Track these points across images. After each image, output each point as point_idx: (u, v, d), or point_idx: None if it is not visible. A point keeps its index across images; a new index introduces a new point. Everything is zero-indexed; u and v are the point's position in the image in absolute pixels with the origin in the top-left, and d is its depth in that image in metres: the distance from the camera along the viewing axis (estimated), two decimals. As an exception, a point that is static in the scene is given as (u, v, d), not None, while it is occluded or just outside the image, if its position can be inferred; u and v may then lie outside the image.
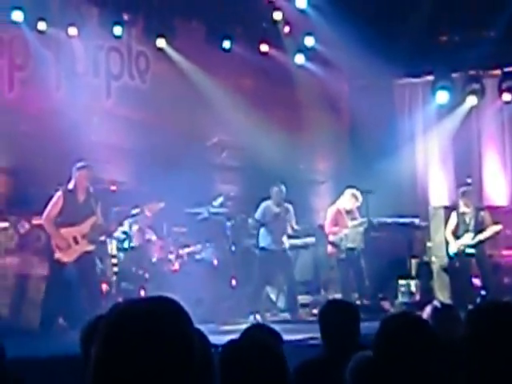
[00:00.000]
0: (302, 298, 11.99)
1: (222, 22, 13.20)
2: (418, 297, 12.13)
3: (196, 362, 1.77)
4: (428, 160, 15.06)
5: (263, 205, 11.51)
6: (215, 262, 11.58)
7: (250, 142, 13.23)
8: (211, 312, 10.49)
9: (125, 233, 10.98)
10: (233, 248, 11.60)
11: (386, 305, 11.91)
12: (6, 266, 10.06)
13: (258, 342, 3.03)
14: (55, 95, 11.97)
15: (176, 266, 11.09)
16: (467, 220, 11.74)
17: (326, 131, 14.72)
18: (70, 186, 9.90)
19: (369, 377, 3.12)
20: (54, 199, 9.84)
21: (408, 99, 15.37)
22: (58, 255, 9.73)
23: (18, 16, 11.12)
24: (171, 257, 11.16)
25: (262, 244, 11.51)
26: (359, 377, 3.24)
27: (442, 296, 11.72)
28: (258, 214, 11.53)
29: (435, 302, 4.61)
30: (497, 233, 11.72)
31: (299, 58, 14.05)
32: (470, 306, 10.78)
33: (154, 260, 11.02)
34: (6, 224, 10.16)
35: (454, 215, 11.93)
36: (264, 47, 13.70)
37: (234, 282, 11.39)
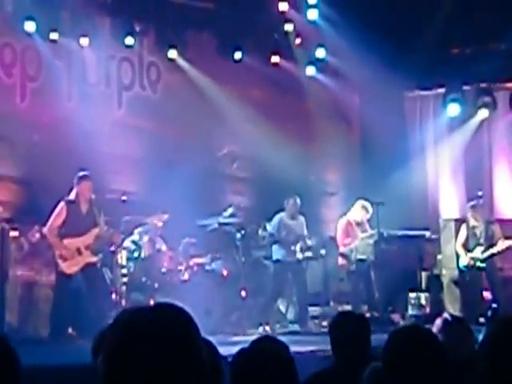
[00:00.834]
0: (312, 310, 11.97)
1: (234, 34, 13.22)
2: (428, 309, 12.09)
3: (204, 368, 1.76)
4: (439, 172, 15.03)
5: (277, 217, 11.53)
6: (225, 272, 11.57)
7: (261, 153, 13.24)
8: (220, 323, 10.49)
9: (135, 243, 10.99)
10: (243, 259, 11.58)
11: (395, 317, 11.87)
12: (16, 275, 10.09)
13: (268, 351, 3.02)
14: (67, 105, 12.02)
15: (186, 276, 11.08)
16: (477, 233, 11.72)
17: (337, 143, 14.70)
18: (72, 196, 9.89)
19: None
20: (56, 210, 9.83)
21: (419, 112, 15.34)
22: (61, 266, 9.71)
23: (30, 26, 11.18)
24: (181, 267, 11.15)
25: (276, 256, 11.51)
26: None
27: (453, 309, 11.68)
28: (272, 228, 11.54)
29: (445, 315, 4.59)
30: (508, 248, 11.68)
31: (310, 70, 14.06)
32: (481, 319, 10.76)
33: (163, 270, 11.01)
34: (16, 233, 10.19)
35: (463, 228, 11.91)
36: (275, 58, 13.71)
37: (243, 293, 11.36)
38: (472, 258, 11.67)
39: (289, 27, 13.38)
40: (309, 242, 11.61)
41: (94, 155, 11.19)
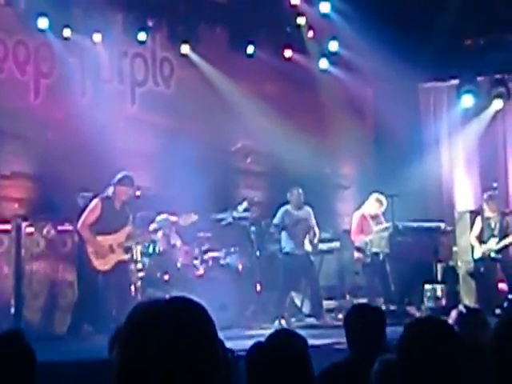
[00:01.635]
0: (328, 303, 11.97)
1: (246, 28, 13.22)
2: (444, 301, 12.06)
3: (220, 362, 1.76)
4: (453, 164, 14.98)
5: (282, 209, 11.52)
6: (240, 267, 11.58)
7: (275, 147, 13.24)
8: (236, 317, 10.51)
9: (149, 237, 11.00)
10: (257, 253, 11.59)
11: (411, 310, 11.85)
12: (32, 271, 10.14)
13: (284, 344, 3.03)
14: (80, 102, 12.05)
15: (201, 271, 11.10)
16: (492, 225, 11.69)
17: (351, 136, 14.68)
18: (108, 193, 9.88)
19: (393, 380, 3.10)
20: (91, 206, 9.82)
21: (433, 103, 15.30)
22: (94, 263, 9.71)
23: (43, 23, 11.22)
24: (196, 262, 11.18)
25: (285, 249, 11.51)
26: (384, 380, 3.23)
27: (469, 300, 11.65)
28: (276, 219, 11.54)
29: (461, 307, 4.59)
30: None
31: (323, 63, 14.03)
32: (497, 310, 10.74)
33: (178, 265, 11.04)
34: (31, 229, 10.23)
35: (478, 220, 11.88)
36: (288, 52, 13.70)
37: (258, 287, 11.38)
38: (487, 250, 11.64)
39: (301, 20, 13.36)
40: (318, 235, 11.57)
41: (108, 151, 11.22)
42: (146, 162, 12.30)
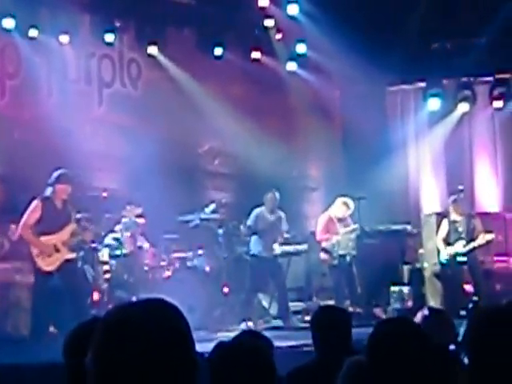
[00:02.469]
0: (295, 305, 11.97)
1: (214, 29, 13.19)
2: (410, 303, 12.13)
3: (197, 363, 1.74)
4: (420, 166, 15.08)
5: (256, 211, 11.51)
6: (207, 269, 11.56)
7: (242, 149, 13.24)
8: (203, 319, 10.46)
9: (116, 240, 10.95)
10: (225, 255, 11.58)
11: (378, 311, 11.91)
12: (-4, 273, 10.02)
13: (247, 345, 3.01)
14: (47, 102, 11.95)
15: (168, 273, 11.06)
16: (459, 227, 11.76)
17: (319, 138, 14.72)
18: (48, 193, 9.77)
19: (362, 381, 3.10)
20: (31, 207, 9.69)
21: (400, 106, 15.39)
22: (39, 264, 9.61)
23: (9, 23, 11.10)
24: (163, 264, 11.14)
25: (253, 251, 11.50)
26: (351, 381, 3.22)
27: (434, 302, 11.74)
28: (250, 221, 11.53)
29: (426, 308, 4.60)
30: (489, 242, 11.73)
31: (291, 65, 14.05)
32: (462, 312, 10.81)
33: (146, 267, 10.99)
34: (-5, 231, 10.12)
35: (445, 222, 11.95)
36: (256, 54, 13.69)
37: (226, 290, 11.37)
38: (454, 252, 11.72)
39: (269, 23, 13.36)
40: (286, 235, 11.61)
41: (75, 152, 11.13)
42: (113, 163, 12.23)
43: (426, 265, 12.51)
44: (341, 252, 11.71)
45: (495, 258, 12.69)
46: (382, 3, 13.67)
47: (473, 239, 11.65)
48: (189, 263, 11.42)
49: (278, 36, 13.65)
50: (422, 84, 14.30)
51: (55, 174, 9.78)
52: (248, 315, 11.19)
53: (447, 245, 11.81)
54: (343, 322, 4.47)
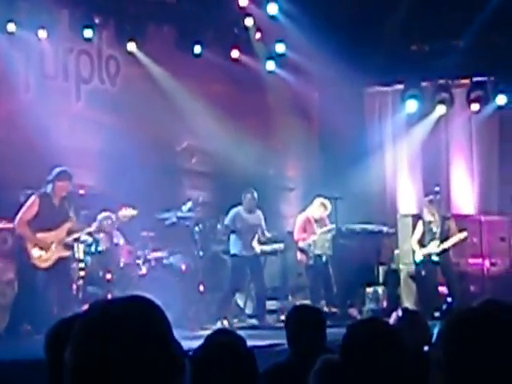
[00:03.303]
0: (270, 304, 11.99)
1: (193, 28, 13.17)
2: (385, 304, 12.20)
3: (178, 361, 1.75)
4: (397, 168, 15.15)
5: (234, 211, 11.52)
6: (183, 267, 11.55)
7: (220, 147, 13.24)
8: (178, 317, 10.43)
9: (92, 236, 10.89)
10: (201, 253, 11.57)
11: (353, 312, 11.96)
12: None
13: (225, 345, 3.02)
14: (24, 98, 11.88)
15: (144, 270, 11.04)
16: (433, 228, 11.84)
17: (296, 138, 14.76)
18: (48, 190, 9.72)
19: (334, 380, 3.13)
20: (28, 203, 9.64)
21: (378, 107, 15.45)
22: (34, 260, 9.55)
23: (-14, 17, 11.03)
24: (139, 261, 11.11)
25: (233, 251, 11.51)
26: (324, 379, 3.25)
27: (409, 303, 11.81)
28: (227, 220, 11.54)
29: (400, 309, 4.64)
30: (462, 240, 11.82)
31: (270, 65, 14.06)
32: (436, 313, 10.89)
33: (121, 264, 10.96)
34: (-31, 227, 10.05)
35: (420, 224, 12.03)
36: (235, 53, 13.70)
37: (201, 288, 11.36)
38: (427, 253, 11.79)
39: (249, 22, 13.37)
40: (267, 234, 11.63)
41: (52, 148, 11.07)
42: (90, 160, 12.17)
43: (401, 266, 12.58)
44: (317, 252, 11.75)
45: (470, 260, 12.79)
46: (361, 5, 13.73)
47: (446, 240, 11.73)
48: (165, 261, 11.40)
49: (258, 35, 13.67)
50: (400, 86, 14.38)
51: (55, 171, 9.74)
52: (223, 314, 11.20)
53: (422, 246, 11.88)
54: (317, 321, 4.49)
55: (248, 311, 11.99)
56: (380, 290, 12.31)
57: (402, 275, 12.48)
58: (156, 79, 13.19)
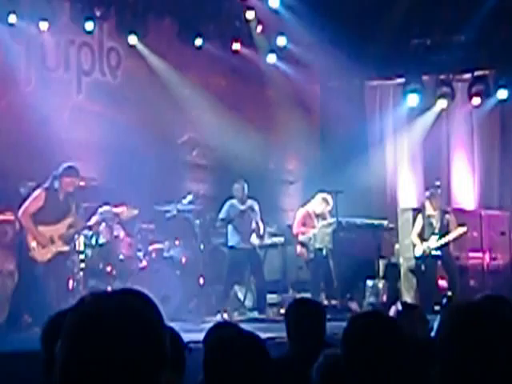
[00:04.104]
0: (270, 298, 11.99)
1: (195, 20, 13.17)
2: (385, 297, 12.19)
3: (166, 354, 1.75)
4: (397, 162, 15.14)
5: (227, 203, 11.52)
6: (183, 259, 11.55)
7: (221, 140, 13.23)
8: (178, 310, 10.46)
9: (92, 229, 10.89)
10: (201, 246, 11.57)
11: (353, 305, 11.95)
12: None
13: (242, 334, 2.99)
14: (25, 90, 11.87)
15: (144, 263, 11.03)
16: (433, 222, 11.84)
17: (297, 131, 14.74)
18: (55, 185, 9.72)
19: (336, 375, 3.12)
20: (34, 195, 9.64)
21: (379, 101, 15.42)
22: (34, 253, 9.56)
23: (-13, 9, 11.01)
24: (139, 254, 11.10)
25: (230, 243, 11.51)
26: (326, 374, 3.25)
27: (409, 297, 11.83)
28: (222, 213, 11.53)
29: (399, 303, 4.64)
30: (461, 234, 11.82)
31: (271, 58, 14.05)
32: (436, 307, 10.89)
33: (121, 257, 10.95)
34: (-28, 219, 10.06)
35: (420, 218, 12.03)
36: (236, 46, 13.69)
37: (201, 281, 11.36)
38: (427, 247, 11.79)
39: (250, 15, 13.36)
40: (261, 228, 11.59)
41: (53, 141, 11.09)
42: (90, 152, 12.16)
43: (401, 259, 12.58)
44: (317, 245, 11.75)
45: (470, 254, 12.79)
46: (363, -2, 13.72)
47: (446, 233, 11.73)
48: (165, 254, 11.40)
49: (259, 28, 13.66)
50: (402, 80, 14.36)
51: (63, 167, 9.74)
52: (223, 307, 11.20)
53: (422, 240, 11.88)
54: (317, 314, 4.49)
55: (248, 304, 11.99)
56: (380, 283, 12.30)
57: (403, 269, 12.49)
58: (157, 72, 13.18)
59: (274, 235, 12.78)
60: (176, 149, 13.68)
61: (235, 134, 13.12)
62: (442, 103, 14.16)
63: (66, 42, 12.59)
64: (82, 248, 10.73)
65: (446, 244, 11.75)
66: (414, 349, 3.45)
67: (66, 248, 9.89)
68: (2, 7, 11.16)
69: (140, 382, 1.69)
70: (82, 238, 10.73)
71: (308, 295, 11.18)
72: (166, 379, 1.73)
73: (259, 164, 13.48)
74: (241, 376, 2.76)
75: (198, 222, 11.59)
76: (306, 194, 12.76)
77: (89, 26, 12.13)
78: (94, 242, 10.85)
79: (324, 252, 11.79)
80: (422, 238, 11.87)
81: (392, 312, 4.43)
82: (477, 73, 14.02)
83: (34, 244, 9.57)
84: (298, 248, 12.00)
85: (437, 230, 11.77)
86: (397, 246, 12.90)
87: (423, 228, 11.90)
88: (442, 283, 11.90)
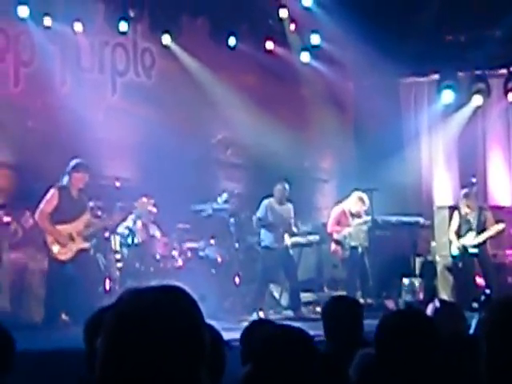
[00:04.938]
0: (305, 296, 11.98)
1: (228, 19, 13.17)
2: (421, 295, 12.12)
3: (206, 352, 1.75)
4: (433, 159, 15.03)
5: (265, 202, 11.52)
6: (219, 258, 11.57)
7: (255, 139, 13.23)
8: (214, 309, 10.49)
9: (129, 229, 10.98)
10: (236, 245, 11.58)
11: (389, 303, 11.91)
12: (10, 261, 10.09)
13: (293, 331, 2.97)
14: (60, 91, 11.98)
15: (180, 262, 11.08)
16: (470, 220, 11.75)
17: (331, 130, 14.70)
18: (64, 182, 9.83)
19: (372, 373, 3.11)
20: (47, 196, 9.76)
21: (413, 98, 15.32)
22: (54, 252, 9.67)
23: (23, 11, 11.12)
24: (175, 253, 11.15)
25: (264, 242, 11.51)
26: (363, 373, 3.24)
27: (446, 295, 11.75)
28: (259, 212, 11.53)
29: (437, 300, 4.61)
30: (499, 232, 11.72)
31: (305, 56, 14.01)
32: (475, 304, 10.82)
33: (157, 256, 11.01)
34: (9, 218, 10.18)
35: (456, 215, 11.95)
36: (269, 45, 13.68)
37: (237, 280, 11.38)
38: (464, 245, 11.71)
39: (283, 13, 13.34)
40: (294, 229, 11.60)
41: (88, 141, 11.17)
42: (125, 152, 12.25)
43: (437, 257, 12.50)
44: (352, 243, 11.72)
45: (507, 252, 12.66)
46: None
47: (483, 231, 11.64)
48: (200, 253, 11.44)
49: (292, 27, 13.62)
50: (436, 76, 14.25)
51: (72, 163, 9.84)
52: (259, 305, 11.21)
53: (458, 237, 11.80)
54: (354, 312, 4.48)
55: (283, 303, 12.00)
56: (416, 281, 12.23)
57: (439, 267, 12.40)
58: (191, 71, 13.22)
59: (309, 233, 12.75)
60: (210, 148, 13.72)
61: (269, 132, 13.12)
62: (477, 99, 14.03)
63: (101, 43, 12.69)
64: (117, 248, 10.82)
65: (484, 241, 11.66)
66: (452, 346, 3.43)
67: (86, 245, 9.98)
68: (37, 9, 11.26)
69: (180, 375, 1.70)
70: (117, 238, 10.82)
71: (343, 293, 11.16)
72: (206, 374, 1.74)
73: (294, 162, 13.46)
74: (291, 371, 2.75)
75: (232, 220, 11.61)
76: (340, 192, 12.73)
77: (123, 26, 12.20)
78: (130, 241, 10.93)
79: (359, 250, 11.76)
80: (459, 234, 11.79)
81: (430, 310, 4.40)
82: (513, 68, 13.88)
83: (54, 246, 9.67)
84: (333, 246, 11.97)
85: (474, 227, 11.68)
86: (433, 244, 12.82)
87: (460, 225, 11.82)
88: (480, 281, 11.81)
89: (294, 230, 11.62)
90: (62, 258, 9.70)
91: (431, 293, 11.87)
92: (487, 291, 11.47)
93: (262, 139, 13.11)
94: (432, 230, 12.83)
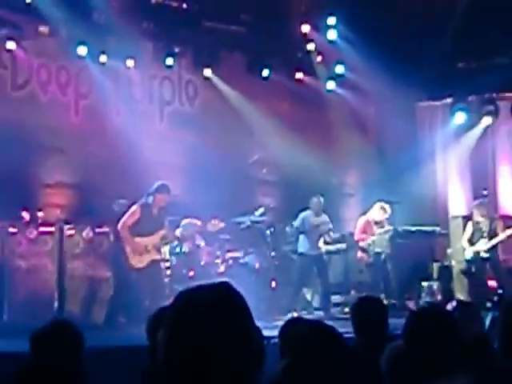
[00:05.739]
0: (335, 298, 11.96)
1: (262, 53, 13.26)
2: (439, 297, 12.03)
3: (256, 350, 1.75)
4: (447, 175, 14.93)
5: (302, 214, 11.57)
6: (257, 265, 11.59)
7: (288, 159, 13.26)
8: (253, 310, 10.47)
9: (177, 239, 11.04)
10: (272, 253, 11.60)
11: (410, 304, 11.82)
12: (73, 269, 10.23)
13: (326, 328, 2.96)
14: (115, 119, 12.11)
15: (222, 269, 11.11)
16: (483, 228, 11.66)
17: (355, 149, 14.68)
18: (149, 201, 9.94)
19: (402, 364, 3.10)
20: (131, 210, 9.89)
21: (429, 120, 15.25)
22: (131, 260, 9.79)
23: (82, 51, 11.30)
24: (217, 261, 11.19)
25: (300, 250, 11.54)
26: (393, 364, 3.23)
27: (461, 296, 11.63)
28: (297, 222, 11.59)
29: (455, 300, 4.59)
30: (509, 237, 11.60)
31: (330, 85, 14.04)
32: (488, 304, 10.71)
33: (202, 263, 11.06)
34: (72, 231, 10.33)
35: (469, 224, 11.86)
36: (299, 75, 13.73)
37: (273, 284, 11.38)
38: (476, 251, 11.61)
39: (311, 46, 13.39)
40: (332, 235, 11.63)
41: (139, 163, 11.31)
42: (173, 172, 12.32)
43: (453, 262, 12.40)
44: (376, 250, 11.68)
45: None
46: (412, 28, 13.61)
47: (495, 236, 11.54)
48: (241, 260, 11.46)
49: (319, 58, 13.66)
50: (449, 100, 14.19)
51: (156, 185, 9.98)
52: (293, 307, 11.21)
53: (471, 244, 11.71)
54: (380, 309, 4.48)
55: (315, 304, 11.97)
56: (434, 285, 12.14)
57: (455, 271, 12.30)
58: (229, 100, 13.30)
59: (338, 242, 12.73)
60: (248, 167, 13.76)
61: (300, 153, 13.14)
62: (487, 120, 13.94)
63: (150, 77, 12.84)
64: (167, 256, 10.89)
65: (495, 246, 11.55)
66: (471, 343, 3.41)
67: (158, 256, 10.11)
68: (94, 48, 11.43)
69: (234, 366, 1.70)
70: (167, 247, 10.89)
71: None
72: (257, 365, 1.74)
73: (322, 179, 13.45)
74: (324, 363, 2.75)
75: (268, 231, 11.63)
76: (364, 205, 12.68)
77: (169, 61, 12.33)
78: (178, 250, 11.01)
79: (382, 256, 11.71)
80: (472, 242, 11.69)
81: (448, 308, 4.37)
82: (519, 92, 13.78)
83: (132, 253, 9.81)
84: (359, 253, 11.94)
85: (486, 234, 11.58)
86: (449, 250, 12.72)
87: (473, 233, 11.72)
88: (492, 283, 11.68)
89: (332, 235, 11.64)
90: (137, 265, 9.83)
91: (448, 295, 11.78)
92: (500, 291, 11.35)
93: (294, 159, 13.13)
94: (448, 237, 12.75)
